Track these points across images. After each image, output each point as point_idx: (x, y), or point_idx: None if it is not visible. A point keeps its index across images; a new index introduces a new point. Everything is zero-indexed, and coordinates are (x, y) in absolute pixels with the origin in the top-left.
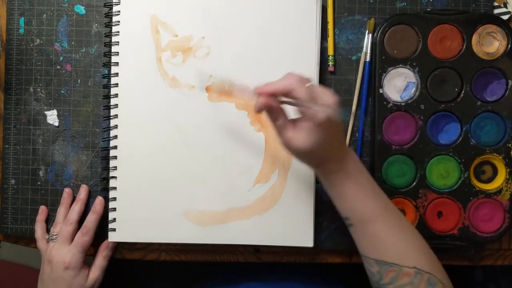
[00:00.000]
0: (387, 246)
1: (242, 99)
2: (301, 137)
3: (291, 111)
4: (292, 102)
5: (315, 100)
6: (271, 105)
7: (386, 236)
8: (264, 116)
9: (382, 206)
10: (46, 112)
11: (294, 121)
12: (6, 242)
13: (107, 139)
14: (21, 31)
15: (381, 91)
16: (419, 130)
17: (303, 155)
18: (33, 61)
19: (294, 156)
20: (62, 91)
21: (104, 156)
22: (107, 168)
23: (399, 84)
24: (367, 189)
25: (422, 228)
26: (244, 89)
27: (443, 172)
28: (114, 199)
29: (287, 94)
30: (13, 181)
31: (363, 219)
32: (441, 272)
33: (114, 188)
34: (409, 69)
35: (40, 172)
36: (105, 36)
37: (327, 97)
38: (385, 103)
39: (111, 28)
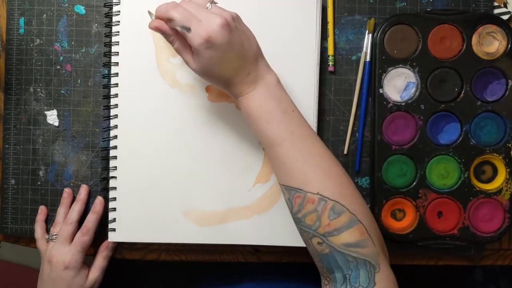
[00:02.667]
0: (292, 170)
1: None
2: (193, 59)
3: None
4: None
5: (199, 20)
6: (158, 27)
7: (291, 160)
8: None
9: (289, 130)
10: (46, 112)
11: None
12: (6, 242)
13: (107, 139)
14: (21, 31)
15: (381, 91)
16: (419, 130)
17: (202, 77)
18: (33, 61)
19: (203, 78)
20: (62, 91)
21: (104, 156)
22: (107, 168)
23: (399, 84)
24: (272, 111)
25: (422, 228)
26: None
27: (443, 172)
28: (114, 199)
29: (164, 18)
30: (13, 181)
31: (269, 142)
32: (353, 202)
33: (114, 188)
34: (409, 69)
35: (40, 172)
36: (105, 36)
37: (212, 18)
38: (385, 103)
39: (111, 28)
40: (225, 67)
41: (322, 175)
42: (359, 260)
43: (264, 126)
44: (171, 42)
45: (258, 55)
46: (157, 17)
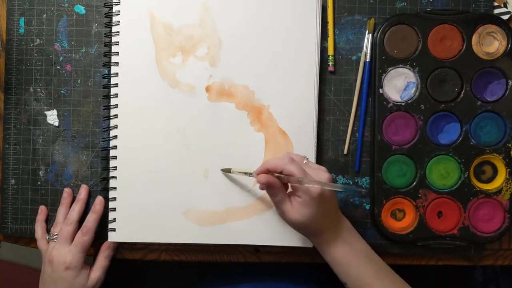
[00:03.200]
0: None
1: (242, 99)
2: (295, 210)
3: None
4: (286, 178)
5: (309, 176)
6: (270, 182)
7: None
8: (264, 119)
9: (377, 268)
10: (46, 112)
11: (290, 195)
12: (6, 242)
13: (107, 139)
14: (21, 31)
15: (381, 91)
16: (419, 130)
17: (298, 227)
18: (33, 61)
19: (300, 229)
20: (62, 91)
21: (104, 156)
22: (107, 168)
23: (399, 84)
24: (361, 254)
25: (422, 228)
26: (245, 172)
27: (443, 172)
28: (114, 199)
29: (280, 171)
30: (13, 181)
31: (359, 283)
32: None
33: (114, 188)
34: (409, 69)
35: (40, 172)
36: (105, 36)
37: (321, 174)
38: (385, 103)
39: (111, 28)
40: (321, 222)
41: None
42: None
43: (355, 268)
44: (273, 195)
45: None
46: (267, 170)
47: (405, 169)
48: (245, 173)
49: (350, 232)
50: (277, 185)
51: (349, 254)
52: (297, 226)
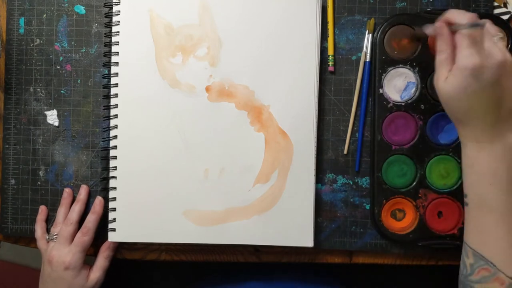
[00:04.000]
0: (495, 243)
1: (242, 99)
2: (450, 78)
3: None
4: (473, 27)
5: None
6: (443, 30)
7: (498, 233)
8: (264, 119)
9: (509, 201)
10: (46, 112)
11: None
12: (6, 242)
13: (107, 139)
14: (21, 31)
15: (381, 91)
16: (419, 130)
17: (443, 99)
18: (33, 61)
19: (443, 101)
20: (62, 91)
21: (104, 156)
22: (107, 168)
23: (399, 84)
24: (498, 177)
25: (422, 228)
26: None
27: (443, 172)
28: (114, 199)
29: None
30: (13, 181)
31: (481, 203)
32: None
33: (114, 188)
34: (409, 69)
35: (40, 172)
36: (105, 36)
37: (501, 45)
38: (385, 103)
39: (111, 28)
40: (476, 103)
41: None
42: None
43: (483, 185)
44: (440, 51)
45: None
46: (447, 20)
47: (405, 169)
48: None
49: (506, 150)
50: (448, 38)
51: (487, 164)
52: (442, 98)
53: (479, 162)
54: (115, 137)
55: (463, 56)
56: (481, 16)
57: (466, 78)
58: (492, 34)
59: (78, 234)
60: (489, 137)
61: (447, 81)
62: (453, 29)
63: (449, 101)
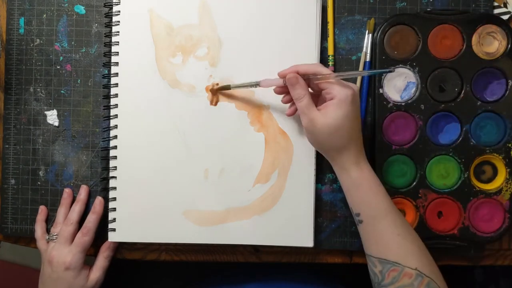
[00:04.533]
0: (392, 244)
1: (242, 99)
2: (326, 114)
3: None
4: (315, 78)
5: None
6: (297, 78)
7: (393, 234)
8: (264, 119)
9: (391, 204)
10: (46, 112)
11: (317, 102)
12: (6, 242)
13: (107, 139)
14: (21, 31)
15: (381, 91)
16: (419, 130)
17: (327, 134)
18: (33, 61)
19: (314, 140)
20: (62, 91)
21: (104, 156)
22: (107, 168)
23: (399, 84)
24: (379, 187)
25: (422, 228)
26: (269, 81)
27: (443, 172)
28: (114, 199)
29: (311, 73)
30: (13, 181)
31: (374, 214)
32: (442, 281)
33: (114, 188)
34: (409, 69)
35: (40, 172)
36: (105, 36)
37: (348, 83)
38: (385, 103)
39: (111, 28)
40: (350, 128)
41: (418, 252)
42: None
43: (372, 198)
44: (299, 98)
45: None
46: (296, 72)
47: (405, 169)
48: (250, 85)
49: (369, 167)
50: (303, 84)
51: (371, 182)
52: (326, 133)
53: (364, 180)
54: (115, 137)
55: (340, 89)
56: (481, 16)
57: (347, 107)
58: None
59: (78, 234)
60: (362, 156)
61: (328, 115)
62: (310, 78)
63: (332, 133)
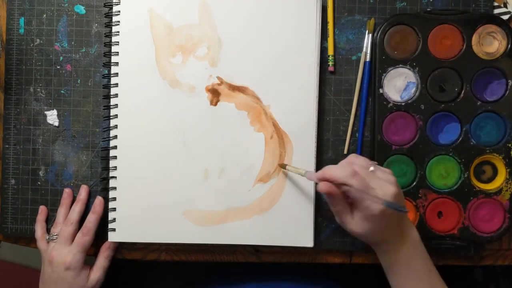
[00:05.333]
0: None
1: (242, 99)
2: (356, 223)
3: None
4: (347, 189)
5: (372, 188)
6: (331, 192)
7: None
8: (264, 119)
9: (427, 285)
10: (46, 112)
11: (351, 205)
12: (6, 242)
13: (107, 139)
14: (21, 31)
15: (381, 91)
16: (419, 130)
17: (358, 237)
18: (33, 61)
19: (377, 234)
20: (62, 91)
21: (104, 156)
22: (107, 168)
23: (399, 84)
24: (419, 271)
25: (422, 228)
26: (309, 174)
27: (443, 172)
28: (114, 199)
29: (344, 184)
30: (13, 181)
31: None
32: None
33: (114, 188)
34: (409, 69)
35: (40, 172)
36: (105, 36)
37: (386, 187)
38: (385, 103)
39: (111, 28)
40: (385, 233)
41: None
42: None
43: (405, 283)
44: (334, 204)
45: None
46: (329, 179)
47: (405, 169)
48: (299, 173)
49: (415, 246)
50: (338, 195)
51: (407, 269)
52: (357, 236)
53: (398, 265)
54: (115, 137)
55: (369, 205)
56: (481, 16)
57: (375, 221)
58: (367, 167)
59: (79, 234)
60: (399, 241)
61: (357, 225)
62: (341, 189)
63: (367, 237)
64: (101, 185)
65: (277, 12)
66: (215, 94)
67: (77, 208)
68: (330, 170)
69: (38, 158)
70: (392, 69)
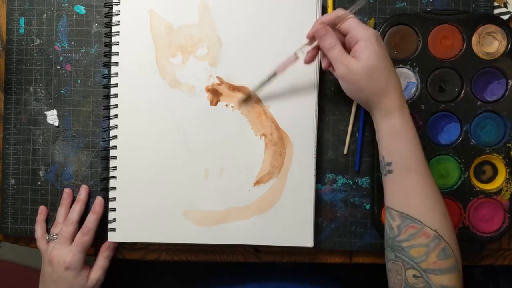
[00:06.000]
0: (418, 200)
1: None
2: (360, 54)
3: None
4: (343, 19)
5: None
6: (324, 28)
7: (421, 190)
8: (264, 119)
9: (424, 160)
10: (46, 112)
11: (347, 50)
12: (6, 242)
13: (107, 139)
14: (21, 31)
15: None
16: (419, 130)
17: (366, 76)
18: (33, 61)
19: (354, 88)
20: (62, 91)
21: (104, 156)
22: (107, 168)
23: None
24: (416, 138)
25: None
26: (282, 64)
27: (443, 172)
28: (114, 199)
29: (333, 20)
30: (13, 181)
31: (407, 166)
32: (458, 249)
33: (114, 188)
34: (409, 69)
35: (40, 172)
36: (105, 36)
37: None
38: None
39: (111, 28)
40: (385, 67)
41: (441, 214)
42: None
43: (409, 148)
44: (331, 47)
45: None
46: (321, 23)
47: None
48: (268, 79)
49: (410, 114)
50: (332, 33)
51: (410, 128)
52: (365, 75)
53: (405, 128)
54: (115, 137)
55: (362, 30)
56: (481, 16)
57: (374, 46)
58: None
59: (79, 234)
60: (400, 105)
61: (360, 57)
62: (335, 23)
63: (370, 75)
64: (101, 185)
65: (277, 12)
66: (215, 94)
67: (77, 208)
68: (321, 17)
69: (38, 158)
70: None
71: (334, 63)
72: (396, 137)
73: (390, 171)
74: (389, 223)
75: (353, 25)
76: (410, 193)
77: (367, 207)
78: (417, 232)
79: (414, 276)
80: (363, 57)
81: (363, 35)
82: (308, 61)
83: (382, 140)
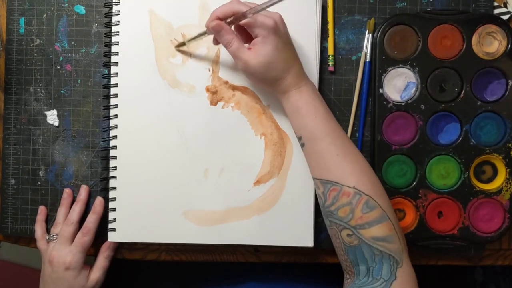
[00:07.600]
0: (331, 164)
1: (242, 99)
2: (256, 53)
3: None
4: (236, 19)
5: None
6: (220, 25)
7: (331, 155)
8: (264, 119)
9: (331, 127)
10: (46, 112)
11: (247, 43)
12: (6, 242)
13: (107, 139)
14: (21, 31)
15: (381, 91)
16: (419, 130)
17: (262, 70)
18: (33, 61)
19: (253, 79)
20: (62, 91)
21: (104, 156)
22: (107, 168)
23: (399, 84)
24: (319, 109)
25: (422, 228)
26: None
27: (443, 172)
28: (114, 199)
29: (230, 14)
30: (13, 181)
31: (312, 136)
32: (384, 200)
33: (114, 188)
34: (409, 69)
35: (40, 172)
36: (105, 36)
37: (271, 13)
38: (385, 103)
39: (111, 28)
40: (283, 58)
41: (358, 171)
42: (385, 254)
43: (311, 120)
44: (228, 43)
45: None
46: (217, 18)
47: (405, 169)
48: (199, 35)
49: (313, 89)
50: (228, 29)
51: (309, 106)
52: (261, 70)
53: (302, 103)
54: (115, 137)
55: (260, 27)
56: (481, 16)
57: (272, 41)
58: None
59: (79, 234)
60: (302, 79)
61: (258, 53)
62: (232, 20)
63: (267, 68)
64: (101, 185)
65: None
66: (215, 94)
67: (77, 208)
68: (217, 9)
69: (38, 158)
70: (392, 69)
71: (233, 57)
72: (297, 113)
73: (303, 145)
74: (317, 194)
75: (251, 22)
76: (323, 160)
77: None
78: (338, 193)
79: (348, 235)
80: (261, 54)
81: (260, 32)
82: (215, 43)
83: (289, 118)
